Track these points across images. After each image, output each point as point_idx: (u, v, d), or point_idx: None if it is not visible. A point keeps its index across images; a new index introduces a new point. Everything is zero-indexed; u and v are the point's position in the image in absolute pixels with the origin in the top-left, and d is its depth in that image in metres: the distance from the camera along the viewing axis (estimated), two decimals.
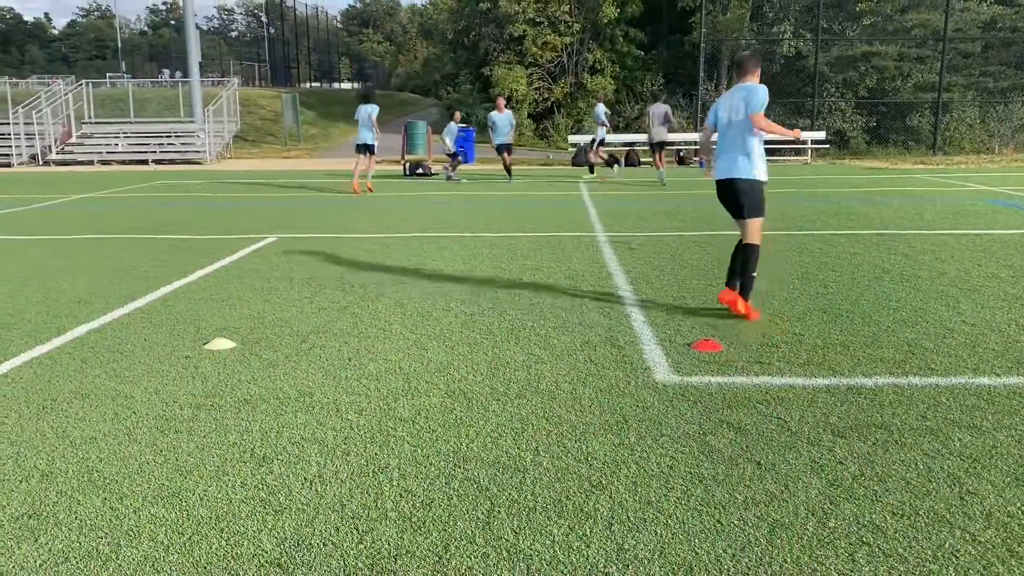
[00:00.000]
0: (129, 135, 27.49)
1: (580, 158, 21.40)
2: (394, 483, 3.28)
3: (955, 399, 4.11)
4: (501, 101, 17.81)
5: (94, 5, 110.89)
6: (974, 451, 3.51)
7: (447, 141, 18.48)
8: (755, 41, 29.87)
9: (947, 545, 2.78)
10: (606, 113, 19.11)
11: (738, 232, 5.92)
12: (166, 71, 57.52)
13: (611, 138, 25.98)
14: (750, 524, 2.93)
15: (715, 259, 7.96)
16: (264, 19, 59.25)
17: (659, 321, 5.67)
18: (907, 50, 27.73)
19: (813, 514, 2.99)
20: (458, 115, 19.63)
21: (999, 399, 4.11)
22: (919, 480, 3.25)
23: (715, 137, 5.88)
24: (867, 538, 2.83)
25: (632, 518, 2.98)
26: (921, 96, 27.31)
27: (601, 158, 19.50)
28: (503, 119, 17.13)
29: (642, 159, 23.28)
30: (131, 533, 2.91)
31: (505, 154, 17.32)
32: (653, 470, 3.36)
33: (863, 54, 27.64)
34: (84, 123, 28.01)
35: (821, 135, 24.40)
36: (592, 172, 18.75)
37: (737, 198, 5.70)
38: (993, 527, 2.89)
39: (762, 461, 3.43)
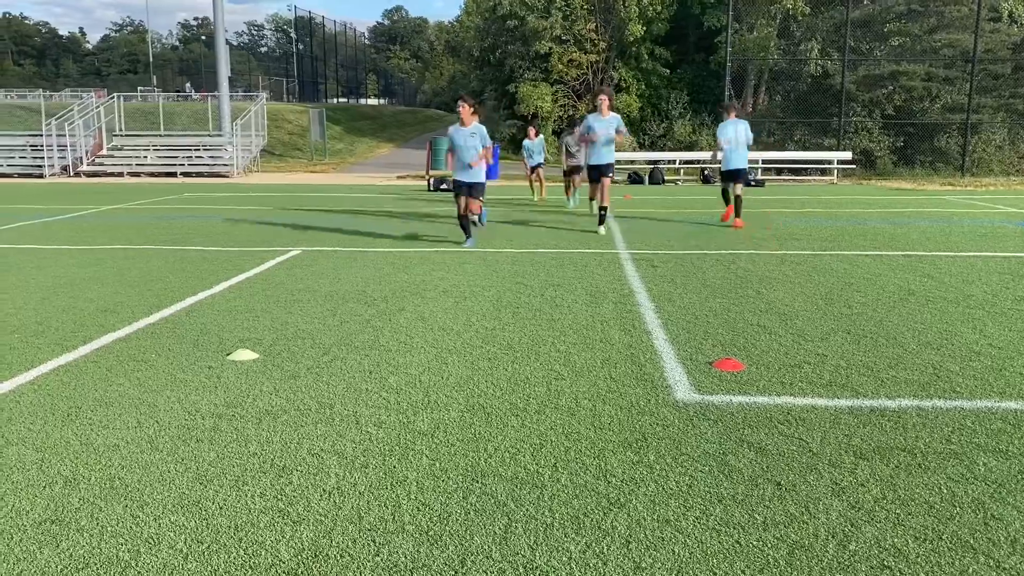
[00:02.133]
0: (158, 148, 27.90)
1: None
2: (412, 496, 3.28)
3: (980, 423, 4.06)
4: (605, 103, 11.53)
5: (127, 20, 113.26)
6: (1000, 476, 3.45)
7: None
8: (782, 60, 29.80)
9: (971, 571, 2.74)
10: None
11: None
12: (188, 84, 58.52)
13: (636, 155, 26.03)
14: (769, 545, 2.90)
15: (738, 278, 7.92)
16: (293, 35, 59.97)
17: (680, 339, 5.65)
18: (936, 70, 27.51)
19: (834, 537, 2.96)
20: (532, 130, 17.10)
21: None
22: (943, 504, 3.20)
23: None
24: (889, 562, 2.79)
25: (650, 536, 2.96)
26: (949, 117, 27.07)
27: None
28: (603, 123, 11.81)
29: (666, 177, 23.25)
30: (151, 540, 2.94)
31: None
32: (672, 489, 3.34)
33: (891, 73, 27.47)
34: (115, 135, 28.47)
35: (847, 155, 24.25)
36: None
37: (742, 175, 12.15)
38: (1019, 553, 2.84)
39: (783, 482, 3.40)
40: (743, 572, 2.73)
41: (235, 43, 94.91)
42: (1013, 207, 15.59)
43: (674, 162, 24.60)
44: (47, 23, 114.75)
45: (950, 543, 2.91)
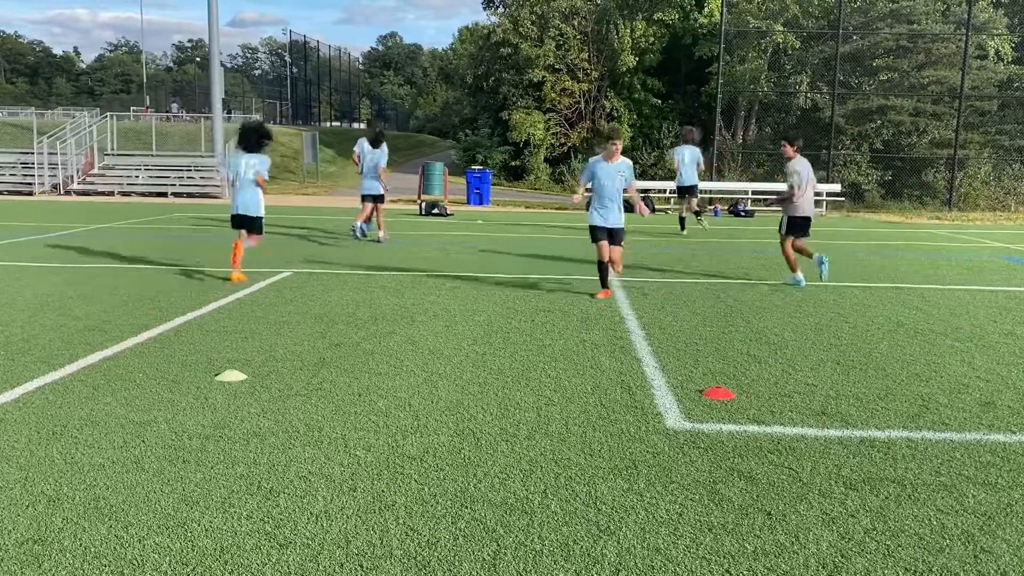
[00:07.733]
0: (150, 168, 27.87)
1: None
2: (400, 521, 3.25)
3: (969, 455, 4.06)
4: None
5: (123, 40, 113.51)
6: (989, 508, 3.46)
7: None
8: (772, 92, 30.11)
9: None
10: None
11: None
12: (174, 105, 58.26)
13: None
14: (759, 575, 2.88)
15: (729, 307, 7.95)
16: (287, 59, 60.28)
17: (671, 367, 5.65)
18: (923, 105, 27.87)
19: (824, 567, 2.94)
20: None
21: (1015, 456, 4.05)
22: (932, 536, 3.20)
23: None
24: None
25: (640, 565, 2.94)
26: (937, 152, 27.38)
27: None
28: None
29: (657, 206, 23.35)
30: (135, 562, 2.90)
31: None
32: (662, 517, 3.33)
33: (879, 108, 27.81)
34: (107, 155, 28.43)
35: (836, 187, 24.44)
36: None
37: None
38: None
39: (772, 511, 3.39)
40: None
41: (229, 65, 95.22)
42: (999, 241, 15.72)
43: (664, 191, 24.74)
44: (42, 42, 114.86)
45: None
